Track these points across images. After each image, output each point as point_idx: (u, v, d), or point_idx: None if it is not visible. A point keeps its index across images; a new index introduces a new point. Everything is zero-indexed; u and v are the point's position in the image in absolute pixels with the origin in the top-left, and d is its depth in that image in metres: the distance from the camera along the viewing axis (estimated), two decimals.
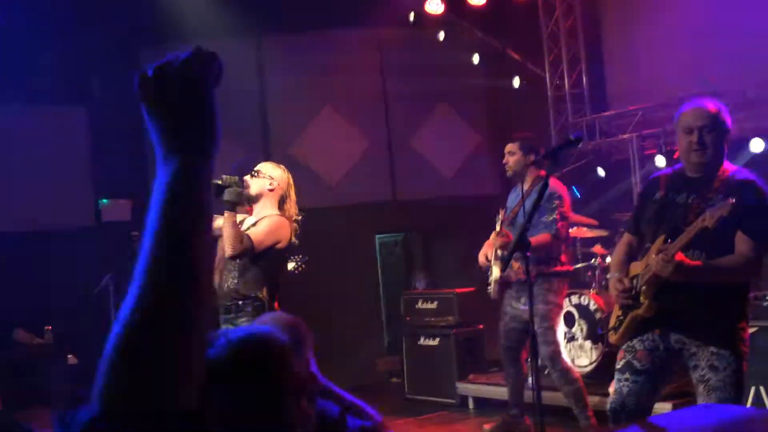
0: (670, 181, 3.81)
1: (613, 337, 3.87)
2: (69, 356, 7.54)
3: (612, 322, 3.90)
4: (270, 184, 4.95)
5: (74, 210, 8.72)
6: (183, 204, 1.12)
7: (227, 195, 4.79)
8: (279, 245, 4.88)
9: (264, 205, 4.97)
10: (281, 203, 4.98)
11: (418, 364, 7.55)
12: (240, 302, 4.87)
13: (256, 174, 5.01)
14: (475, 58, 9.29)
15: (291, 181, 5.07)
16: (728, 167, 3.73)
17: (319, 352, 7.52)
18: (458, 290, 7.33)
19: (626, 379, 3.73)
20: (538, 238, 5.43)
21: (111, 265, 6.56)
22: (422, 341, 7.51)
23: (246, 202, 5.03)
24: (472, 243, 6.01)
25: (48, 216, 8.46)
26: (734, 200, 3.41)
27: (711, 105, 3.73)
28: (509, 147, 5.78)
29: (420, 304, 7.63)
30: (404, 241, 10.10)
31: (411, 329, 7.66)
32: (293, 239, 4.95)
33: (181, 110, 1.16)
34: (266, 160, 9.04)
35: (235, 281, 4.88)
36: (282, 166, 5.13)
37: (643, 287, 3.68)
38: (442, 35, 9.12)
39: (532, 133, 5.99)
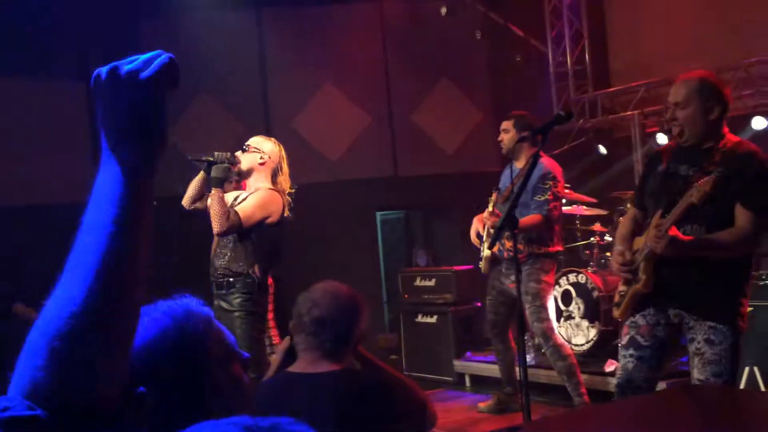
0: (672, 154, 3.77)
1: (616, 312, 3.87)
2: None
3: (615, 297, 3.89)
4: (261, 158, 4.91)
5: (73, 185, 8.69)
6: (123, 211, 1.11)
7: (214, 171, 4.77)
8: (269, 219, 4.83)
9: (256, 179, 4.92)
10: (274, 176, 4.94)
11: (415, 341, 7.56)
12: (231, 279, 4.84)
13: (246, 148, 4.97)
14: (478, 34, 9.22)
15: (283, 154, 5.02)
16: (730, 138, 3.67)
17: None
18: (456, 268, 7.33)
19: (630, 355, 3.72)
20: (529, 218, 5.43)
21: None
22: (420, 318, 7.51)
23: (236, 178, 5.04)
24: (475, 216, 6.00)
25: (47, 190, 8.45)
26: (718, 174, 3.38)
27: (692, 79, 3.66)
28: (504, 124, 5.78)
29: (418, 282, 7.63)
30: (405, 218, 10.09)
31: (409, 306, 7.66)
32: (287, 213, 4.91)
33: (130, 114, 1.14)
34: (267, 134, 9.02)
35: (226, 258, 4.86)
36: (273, 139, 5.09)
37: (642, 262, 3.67)
38: (444, 10, 9.05)
39: (529, 112, 5.95)
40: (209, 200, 4.80)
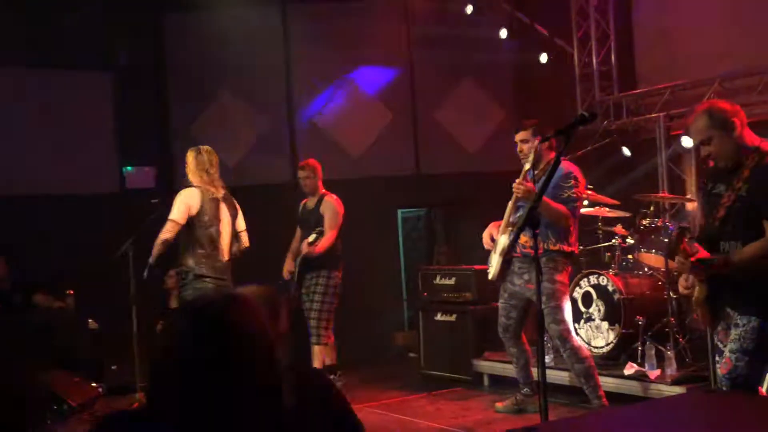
0: (712, 173, 3.93)
1: (699, 324, 4.19)
2: (89, 321, 7.62)
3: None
4: (188, 167, 6.06)
5: (99, 176, 8.78)
6: None
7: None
8: (192, 214, 5.91)
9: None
10: (203, 175, 6.02)
11: (434, 339, 7.55)
12: (183, 276, 5.94)
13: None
14: (503, 33, 9.19)
15: (200, 155, 6.08)
16: (765, 148, 3.74)
17: (340, 325, 7.61)
18: (476, 267, 7.30)
19: (718, 362, 3.90)
20: (558, 205, 5.41)
21: (133, 231, 6.61)
22: (439, 317, 7.50)
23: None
24: (495, 220, 5.97)
25: (73, 181, 8.53)
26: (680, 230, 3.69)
27: (700, 116, 3.80)
28: (522, 135, 5.66)
29: (438, 280, 7.62)
30: (426, 216, 10.08)
31: (428, 305, 7.65)
32: (205, 206, 5.94)
33: None
34: (290, 130, 9.16)
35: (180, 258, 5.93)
36: (193, 148, 6.14)
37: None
38: (470, 8, 9.03)
39: (542, 116, 5.91)
40: None
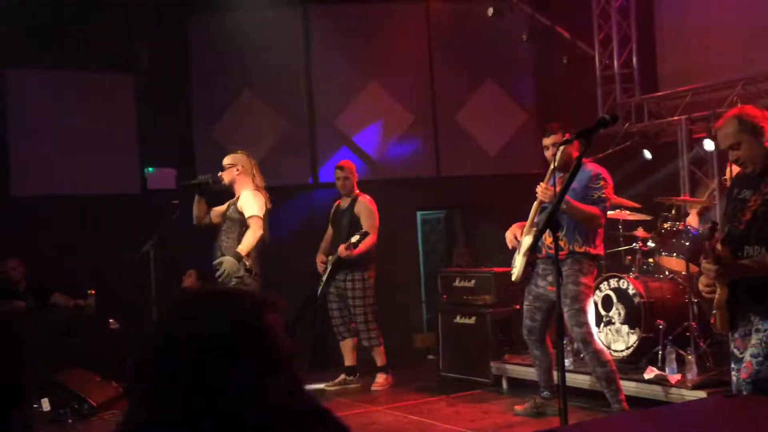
0: (739, 178, 3.96)
1: (716, 328, 4.03)
2: (110, 320, 7.67)
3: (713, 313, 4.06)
4: (237, 169, 6.23)
5: (121, 177, 8.84)
6: None
7: (196, 181, 6.31)
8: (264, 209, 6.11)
9: (240, 185, 6.23)
10: (252, 179, 6.26)
11: (453, 342, 7.54)
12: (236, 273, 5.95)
13: (224, 168, 6.28)
14: (524, 35, 9.16)
15: (250, 158, 6.36)
16: None
17: None
18: (496, 269, 7.28)
19: (732, 369, 3.92)
20: (587, 206, 5.40)
21: (154, 232, 6.66)
22: (458, 319, 7.49)
23: (214, 188, 6.29)
24: (515, 222, 5.96)
25: (95, 182, 8.60)
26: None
27: (731, 121, 3.84)
28: (551, 140, 5.60)
29: (457, 282, 7.61)
30: (446, 218, 10.07)
31: (448, 307, 7.64)
32: (269, 205, 6.21)
33: None
34: (312, 131, 9.30)
35: (224, 247, 6.08)
36: (239, 150, 6.42)
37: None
38: (491, 11, 9.00)
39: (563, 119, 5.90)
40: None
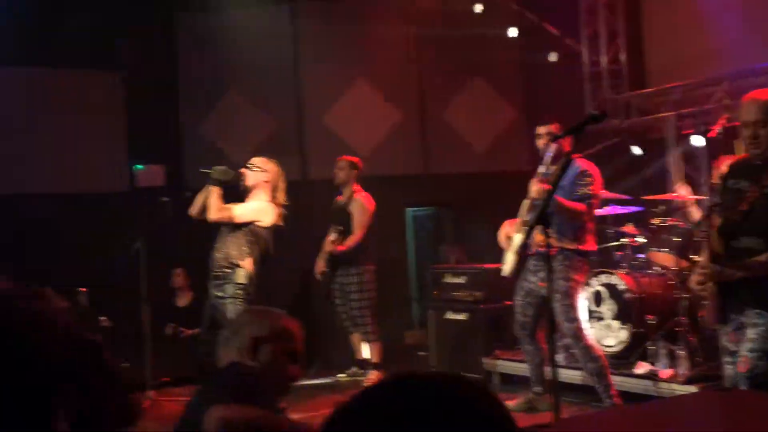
0: (736, 168, 3.92)
1: (705, 323, 4.08)
2: (101, 318, 7.63)
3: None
4: (266, 177, 6.00)
5: (109, 174, 8.80)
6: None
7: (215, 173, 5.85)
8: (260, 223, 5.92)
9: (257, 194, 6.00)
10: (273, 192, 6.02)
11: (444, 338, 7.55)
12: (226, 269, 5.82)
13: (250, 167, 6.02)
14: (512, 32, 9.17)
15: (282, 172, 6.13)
16: None
17: None
18: (487, 266, 7.29)
19: (726, 362, 3.95)
20: (572, 203, 5.42)
21: (143, 230, 6.64)
22: (449, 316, 7.49)
23: (236, 184, 6.01)
24: (505, 219, 5.97)
25: (83, 179, 8.55)
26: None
27: (754, 102, 3.78)
28: (545, 129, 5.69)
29: (448, 279, 7.62)
30: (435, 215, 10.07)
31: (438, 303, 7.65)
32: (280, 222, 6.02)
33: None
34: (299, 129, 9.22)
35: (223, 251, 5.84)
36: (274, 160, 6.14)
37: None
38: (478, 7, 9.02)
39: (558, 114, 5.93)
40: (209, 196, 5.80)
